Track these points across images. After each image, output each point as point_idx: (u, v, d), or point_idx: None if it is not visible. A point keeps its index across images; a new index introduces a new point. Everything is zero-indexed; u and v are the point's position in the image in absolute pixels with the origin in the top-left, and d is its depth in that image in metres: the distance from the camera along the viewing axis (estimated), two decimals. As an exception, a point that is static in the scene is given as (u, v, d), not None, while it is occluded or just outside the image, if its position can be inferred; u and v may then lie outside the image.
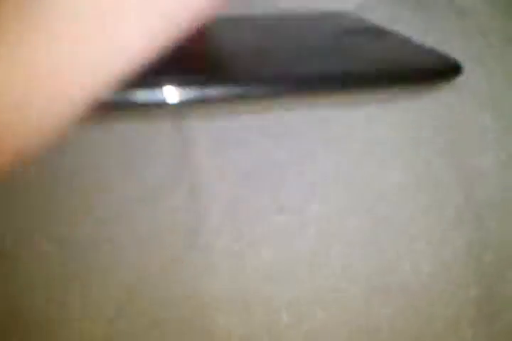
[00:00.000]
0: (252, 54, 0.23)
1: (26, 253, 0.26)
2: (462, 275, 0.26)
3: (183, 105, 0.20)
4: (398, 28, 0.27)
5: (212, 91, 0.20)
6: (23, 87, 0.13)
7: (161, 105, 0.20)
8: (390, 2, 0.29)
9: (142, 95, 0.19)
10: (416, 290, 0.27)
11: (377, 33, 0.25)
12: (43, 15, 0.13)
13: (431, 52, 0.23)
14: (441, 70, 0.23)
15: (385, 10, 0.29)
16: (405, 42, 0.24)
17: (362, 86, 0.21)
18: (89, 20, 0.13)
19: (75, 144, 0.27)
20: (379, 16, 0.28)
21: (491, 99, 0.27)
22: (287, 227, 0.26)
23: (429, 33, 0.27)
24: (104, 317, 0.26)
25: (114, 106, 0.18)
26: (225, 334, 0.26)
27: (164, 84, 0.19)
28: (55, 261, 0.26)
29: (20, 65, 0.13)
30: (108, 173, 0.27)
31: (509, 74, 0.27)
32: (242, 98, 0.21)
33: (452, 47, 0.27)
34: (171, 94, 0.20)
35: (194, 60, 0.22)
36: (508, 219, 0.26)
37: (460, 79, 0.26)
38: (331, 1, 0.28)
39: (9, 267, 0.26)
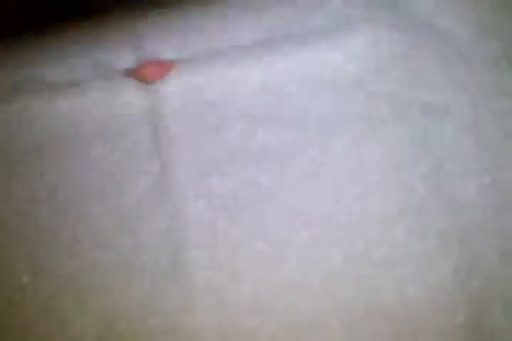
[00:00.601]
0: None
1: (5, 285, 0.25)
2: (449, 302, 0.26)
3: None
4: (379, 52, 0.27)
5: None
6: None
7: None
8: (370, 25, 0.29)
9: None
10: (401, 317, 0.26)
11: None
12: None
13: None
14: None
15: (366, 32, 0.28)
16: None
17: None
18: None
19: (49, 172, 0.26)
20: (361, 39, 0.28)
21: (474, 123, 0.27)
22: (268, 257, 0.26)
23: (409, 59, 0.27)
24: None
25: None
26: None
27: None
28: (32, 293, 0.26)
29: None
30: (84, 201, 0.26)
31: (491, 99, 0.27)
32: None
33: (434, 73, 0.27)
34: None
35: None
36: (494, 243, 0.26)
37: (442, 105, 0.26)
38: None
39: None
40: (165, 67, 0.28)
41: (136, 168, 0.27)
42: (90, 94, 0.27)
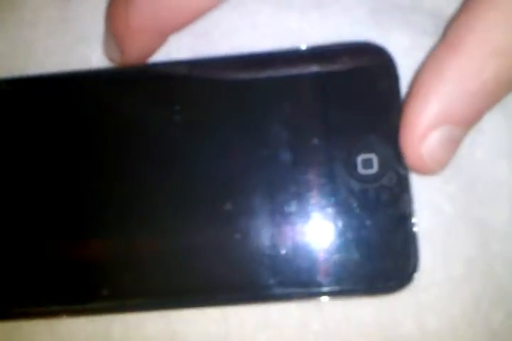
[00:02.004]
0: None
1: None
2: (469, 334, 0.25)
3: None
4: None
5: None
6: None
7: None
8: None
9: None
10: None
11: None
12: None
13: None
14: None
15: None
16: None
17: None
18: None
19: None
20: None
21: (509, 146, 0.26)
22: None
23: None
24: None
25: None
26: None
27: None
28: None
29: None
30: None
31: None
32: None
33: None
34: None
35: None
36: (522, 277, 0.25)
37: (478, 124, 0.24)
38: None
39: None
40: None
41: None
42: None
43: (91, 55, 0.28)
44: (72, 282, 0.26)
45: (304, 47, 0.27)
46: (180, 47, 0.28)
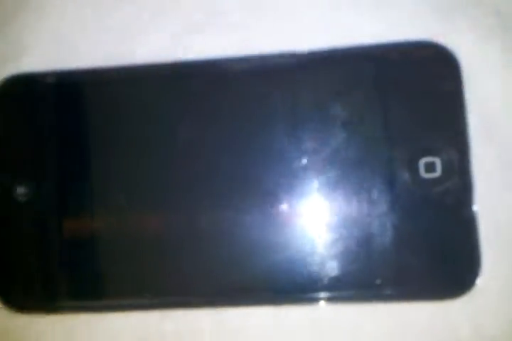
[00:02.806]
0: None
1: None
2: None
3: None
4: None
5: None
6: None
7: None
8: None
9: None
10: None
11: None
12: None
13: None
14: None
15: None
16: None
17: None
18: None
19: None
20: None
21: None
22: None
23: None
24: None
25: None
26: None
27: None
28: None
29: None
30: None
31: None
32: None
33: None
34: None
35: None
36: None
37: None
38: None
39: None
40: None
41: None
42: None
43: (135, 49, 0.28)
44: (129, 278, 0.26)
45: (366, 45, 0.26)
46: (227, 44, 0.27)
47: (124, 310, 0.26)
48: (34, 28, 0.29)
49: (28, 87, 0.27)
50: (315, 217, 0.25)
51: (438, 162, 0.25)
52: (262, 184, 0.26)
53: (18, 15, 0.29)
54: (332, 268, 0.25)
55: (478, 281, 0.24)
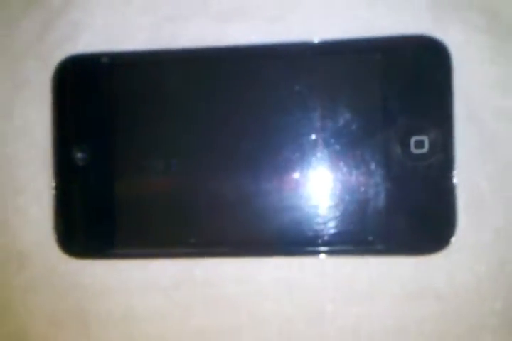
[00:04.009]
0: None
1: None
2: (493, 289, 0.30)
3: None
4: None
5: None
6: None
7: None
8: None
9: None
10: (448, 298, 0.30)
11: None
12: None
13: None
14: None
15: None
16: None
17: None
18: None
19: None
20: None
21: None
22: None
23: (495, 63, 0.30)
24: None
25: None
26: None
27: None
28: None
29: None
30: None
31: None
32: None
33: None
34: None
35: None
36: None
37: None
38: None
39: None
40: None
41: None
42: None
43: (177, 34, 0.32)
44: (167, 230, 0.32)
45: (368, 36, 0.30)
46: (254, 31, 0.32)
47: (163, 257, 0.32)
48: (88, 12, 0.33)
49: (85, 65, 0.32)
50: (320, 184, 0.30)
51: (426, 140, 0.30)
52: (277, 157, 0.30)
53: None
54: (333, 226, 0.30)
55: (453, 240, 0.29)
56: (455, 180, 0.29)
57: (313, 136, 0.30)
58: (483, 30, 0.30)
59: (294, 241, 0.30)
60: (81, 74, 0.32)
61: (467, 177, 0.30)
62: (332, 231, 0.30)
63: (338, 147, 0.30)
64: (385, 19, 0.31)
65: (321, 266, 0.31)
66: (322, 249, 0.30)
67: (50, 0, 0.33)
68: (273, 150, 0.30)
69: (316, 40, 0.31)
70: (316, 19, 0.31)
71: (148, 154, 0.31)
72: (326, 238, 0.30)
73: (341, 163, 0.30)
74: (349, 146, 0.30)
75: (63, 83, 0.32)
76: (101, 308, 0.33)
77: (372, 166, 0.30)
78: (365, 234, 0.30)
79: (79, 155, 0.32)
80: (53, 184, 0.32)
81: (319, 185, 0.30)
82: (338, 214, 0.30)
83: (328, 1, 0.31)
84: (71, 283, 0.33)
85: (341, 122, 0.30)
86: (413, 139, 0.30)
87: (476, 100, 0.30)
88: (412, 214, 0.30)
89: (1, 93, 0.33)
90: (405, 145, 0.30)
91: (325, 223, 0.30)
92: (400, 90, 0.30)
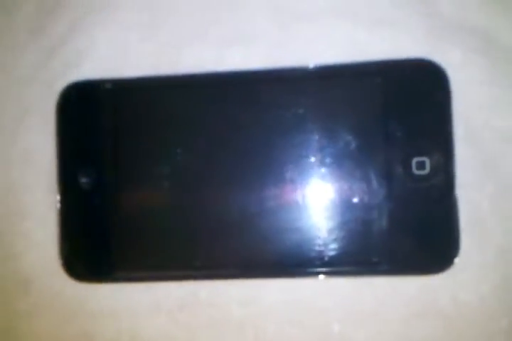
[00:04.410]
0: None
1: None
2: (497, 308, 0.30)
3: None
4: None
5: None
6: None
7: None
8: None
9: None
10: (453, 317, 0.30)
11: None
12: None
13: None
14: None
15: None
16: None
17: None
18: None
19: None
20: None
21: None
22: None
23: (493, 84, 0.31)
24: None
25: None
26: None
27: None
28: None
29: None
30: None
31: None
32: None
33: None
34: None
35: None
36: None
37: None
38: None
39: None
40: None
41: None
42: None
43: (178, 60, 0.33)
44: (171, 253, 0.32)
45: (367, 60, 0.31)
46: (255, 56, 0.32)
47: (168, 279, 0.32)
48: (92, 39, 0.33)
49: (89, 91, 0.33)
50: (324, 206, 0.31)
51: (427, 161, 0.30)
52: (280, 178, 0.31)
53: (78, 26, 0.34)
54: (337, 247, 0.30)
55: (457, 260, 0.30)
56: (456, 200, 0.30)
57: (316, 158, 0.31)
58: (481, 52, 0.31)
59: (299, 262, 0.31)
60: (85, 100, 0.33)
61: (468, 197, 0.30)
62: (337, 252, 0.30)
63: (340, 169, 0.30)
64: (383, 43, 0.31)
65: (327, 287, 0.31)
66: (327, 270, 0.30)
67: (54, 27, 0.34)
68: (276, 172, 0.31)
69: (316, 64, 0.31)
70: (316, 44, 0.32)
71: (152, 178, 0.32)
72: (331, 259, 0.30)
73: (344, 185, 0.30)
74: (351, 168, 0.30)
75: (67, 109, 0.33)
76: (107, 332, 0.33)
77: (376, 187, 0.30)
78: (369, 254, 0.30)
79: (83, 179, 0.32)
80: (58, 208, 0.32)
81: (323, 207, 0.31)
82: (342, 235, 0.30)
83: (327, 26, 0.32)
84: (76, 307, 0.33)
85: (343, 144, 0.30)
86: (414, 160, 0.30)
87: (475, 121, 0.31)
88: (416, 234, 0.30)
89: (6, 118, 0.34)
90: (407, 166, 0.30)
91: (329, 244, 0.30)
92: (400, 112, 0.30)
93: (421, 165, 0.30)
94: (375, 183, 0.30)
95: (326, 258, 0.30)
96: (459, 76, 0.31)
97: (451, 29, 0.31)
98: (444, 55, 0.31)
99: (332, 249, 0.30)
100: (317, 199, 0.31)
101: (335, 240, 0.30)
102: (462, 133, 0.30)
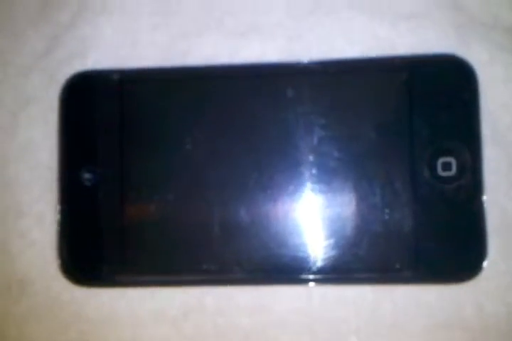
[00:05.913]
0: None
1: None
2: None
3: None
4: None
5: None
6: None
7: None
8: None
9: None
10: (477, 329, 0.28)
11: None
12: None
13: None
14: None
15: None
16: None
17: None
18: None
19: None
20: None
21: None
22: None
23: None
24: None
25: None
26: None
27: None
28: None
29: None
30: None
31: None
32: None
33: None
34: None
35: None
36: None
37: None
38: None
39: None
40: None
41: None
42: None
43: (190, 51, 0.31)
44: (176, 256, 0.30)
45: (394, 55, 0.29)
46: (272, 49, 0.30)
47: (172, 285, 0.30)
48: (98, 28, 0.32)
49: (94, 83, 0.31)
50: (347, 209, 0.29)
51: (454, 162, 0.28)
52: (299, 178, 0.29)
53: (83, 15, 0.32)
54: (357, 253, 0.28)
55: (484, 269, 0.28)
56: (484, 203, 0.28)
57: (338, 157, 0.29)
58: (508, 49, 0.29)
59: (316, 268, 0.29)
60: (90, 91, 0.31)
61: (495, 200, 0.28)
62: (356, 258, 0.28)
63: (364, 169, 0.29)
64: (409, 38, 0.30)
65: (344, 294, 0.29)
66: (346, 276, 0.29)
67: (58, 14, 0.32)
68: (294, 170, 0.29)
69: (338, 58, 0.30)
70: (337, 37, 0.30)
71: (159, 175, 0.30)
72: (349, 265, 0.28)
73: (366, 186, 0.29)
74: (374, 168, 0.29)
75: (71, 101, 0.31)
76: (106, 339, 0.31)
77: (401, 188, 0.28)
78: (392, 260, 0.28)
79: (87, 175, 0.30)
80: (58, 206, 0.30)
81: (345, 210, 0.29)
82: (363, 240, 0.28)
83: (349, 19, 0.30)
84: (75, 313, 0.31)
85: (367, 143, 0.29)
86: (440, 161, 0.28)
87: (501, 121, 0.29)
88: (440, 239, 0.28)
89: (5, 110, 0.32)
90: (432, 167, 0.28)
91: (349, 249, 0.28)
92: (425, 111, 0.29)
93: (447, 166, 0.28)
94: (398, 184, 0.28)
95: (345, 265, 0.28)
96: (485, 74, 0.29)
97: (478, 24, 0.30)
98: (471, 51, 0.29)
99: (351, 255, 0.28)
100: (338, 201, 0.29)
101: (354, 245, 0.28)
102: (489, 132, 0.29)
